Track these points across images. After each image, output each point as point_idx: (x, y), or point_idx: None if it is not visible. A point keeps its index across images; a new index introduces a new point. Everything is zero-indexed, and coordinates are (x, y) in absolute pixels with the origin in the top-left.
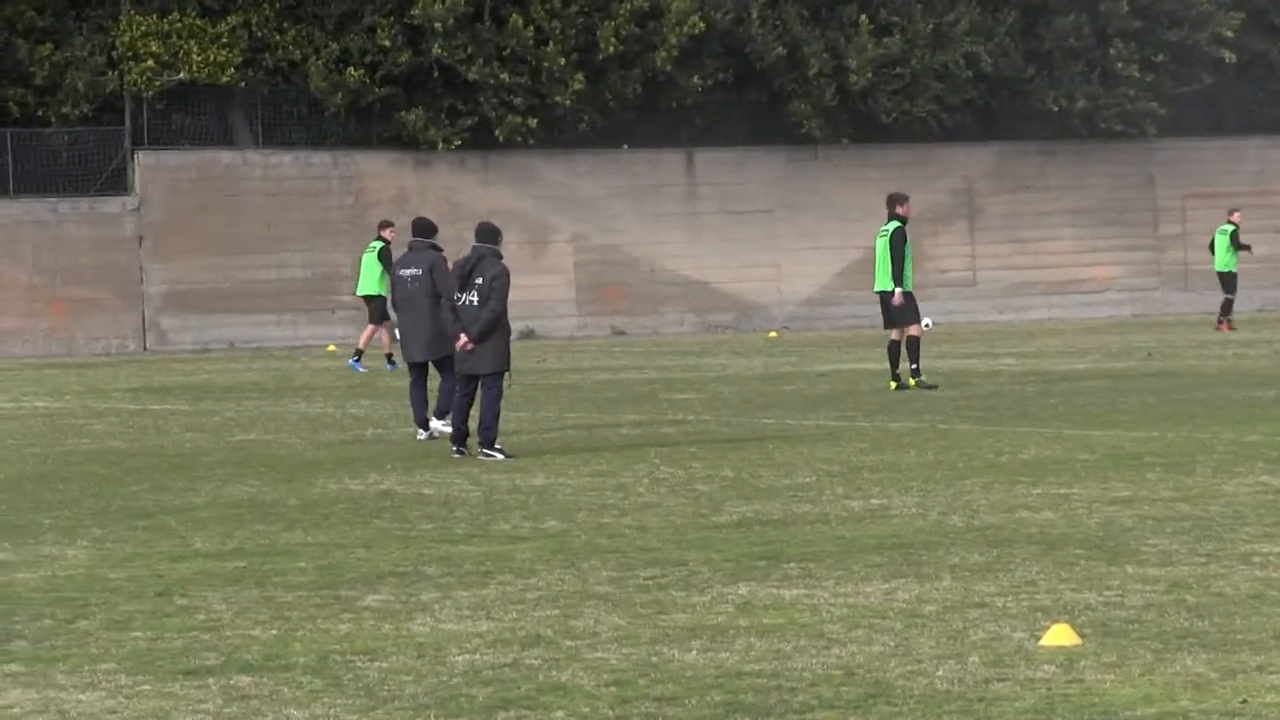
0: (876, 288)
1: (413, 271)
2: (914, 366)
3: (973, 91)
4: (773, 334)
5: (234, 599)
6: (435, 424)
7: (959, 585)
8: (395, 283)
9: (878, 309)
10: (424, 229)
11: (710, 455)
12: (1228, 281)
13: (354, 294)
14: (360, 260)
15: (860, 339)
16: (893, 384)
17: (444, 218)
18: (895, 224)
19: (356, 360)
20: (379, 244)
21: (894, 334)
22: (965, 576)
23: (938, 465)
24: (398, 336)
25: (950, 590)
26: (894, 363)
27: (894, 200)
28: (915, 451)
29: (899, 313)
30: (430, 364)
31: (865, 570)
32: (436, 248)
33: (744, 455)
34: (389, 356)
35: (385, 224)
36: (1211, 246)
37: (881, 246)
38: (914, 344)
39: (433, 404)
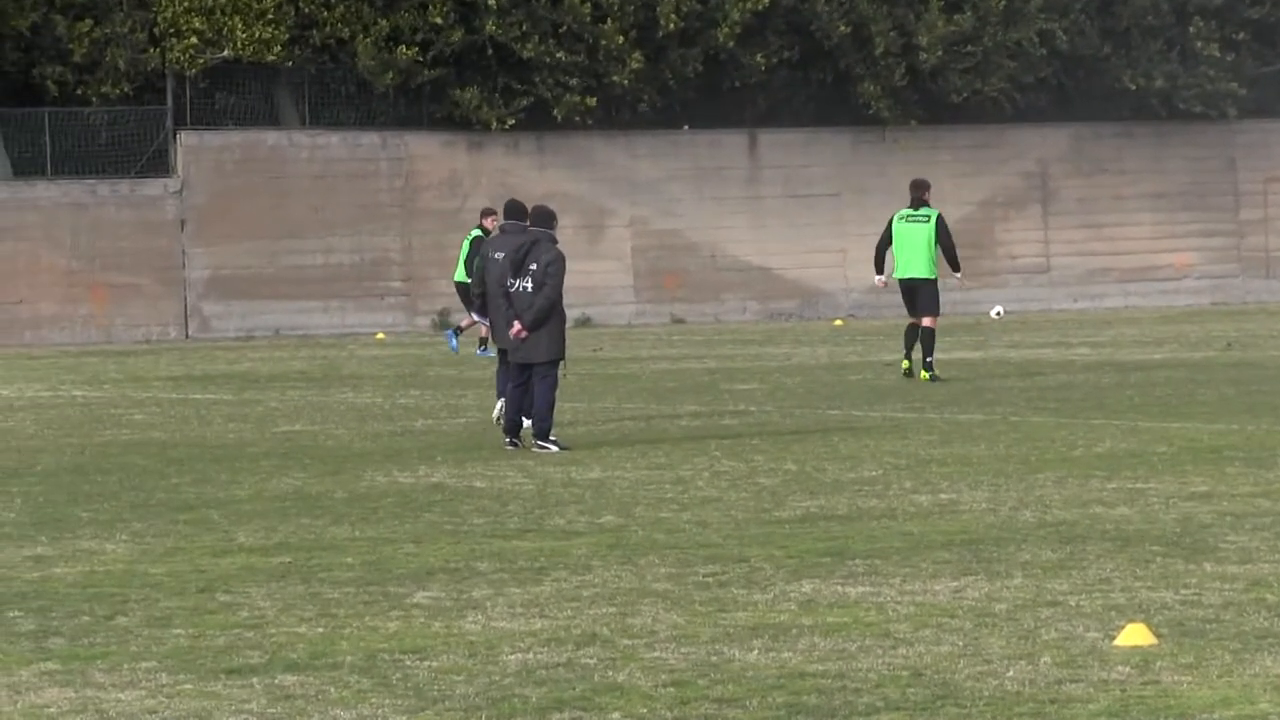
0: (911, 274)
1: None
2: (929, 360)
3: (1046, 70)
4: (838, 322)
5: (279, 595)
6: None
7: (1030, 583)
8: (487, 266)
9: (950, 295)
10: (518, 211)
11: (773, 448)
12: None
13: (406, 280)
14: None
15: None
16: (906, 364)
17: (497, 201)
18: (935, 211)
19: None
20: (476, 232)
21: (912, 320)
22: (1037, 574)
23: (1009, 459)
24: (483, 322)
25: (1021, 588)
26: (911, 345)
27: (924, 186)
28: (986, 444)
29: (934, 301)
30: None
31: (933, 567)
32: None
33: (808, 448)
34: (482, 341)
35: (487, 212)
36: None
37: (924, 234)
38: (932, 335)
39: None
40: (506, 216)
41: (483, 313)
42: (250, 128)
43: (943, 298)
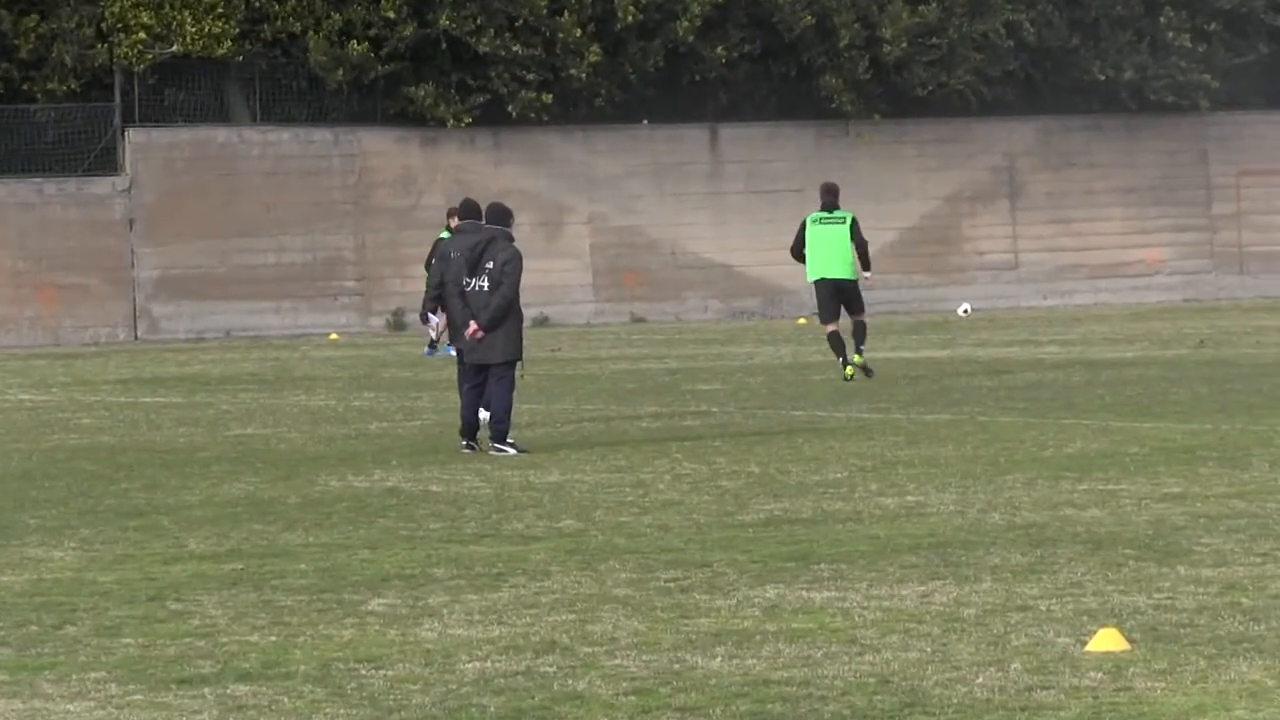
0: (839, 275)
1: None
2: (861, 347)
3: (1014, 62)
4: (802, 320)
5: (230, 603)
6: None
7: (1000, 587)
8: (445, 266)
9: (916, 293)
10: (474, 210)
11: (735, 450)
12: None
13: (360, 279)
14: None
15: (894, 325)
16: (850, 370)
17: (452, 198)
18: (850, 213)
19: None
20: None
21: (832, 326)
22: (1007, 578)
23: (977, 460)
24: (438, 325)
25: (991, 593)
26: (842, 350)
27: (836, 191)
28: (953, 445)
29: (861, 298)
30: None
31: (900, 572)
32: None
33: (771, 450)
34: (431, 343)
35: (453, 211)
36: None
37: (842, 235)
38: (865, 327)
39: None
40: (462, 216)
41: (434, 312)
42: (200, 125)
43: (908, 295)
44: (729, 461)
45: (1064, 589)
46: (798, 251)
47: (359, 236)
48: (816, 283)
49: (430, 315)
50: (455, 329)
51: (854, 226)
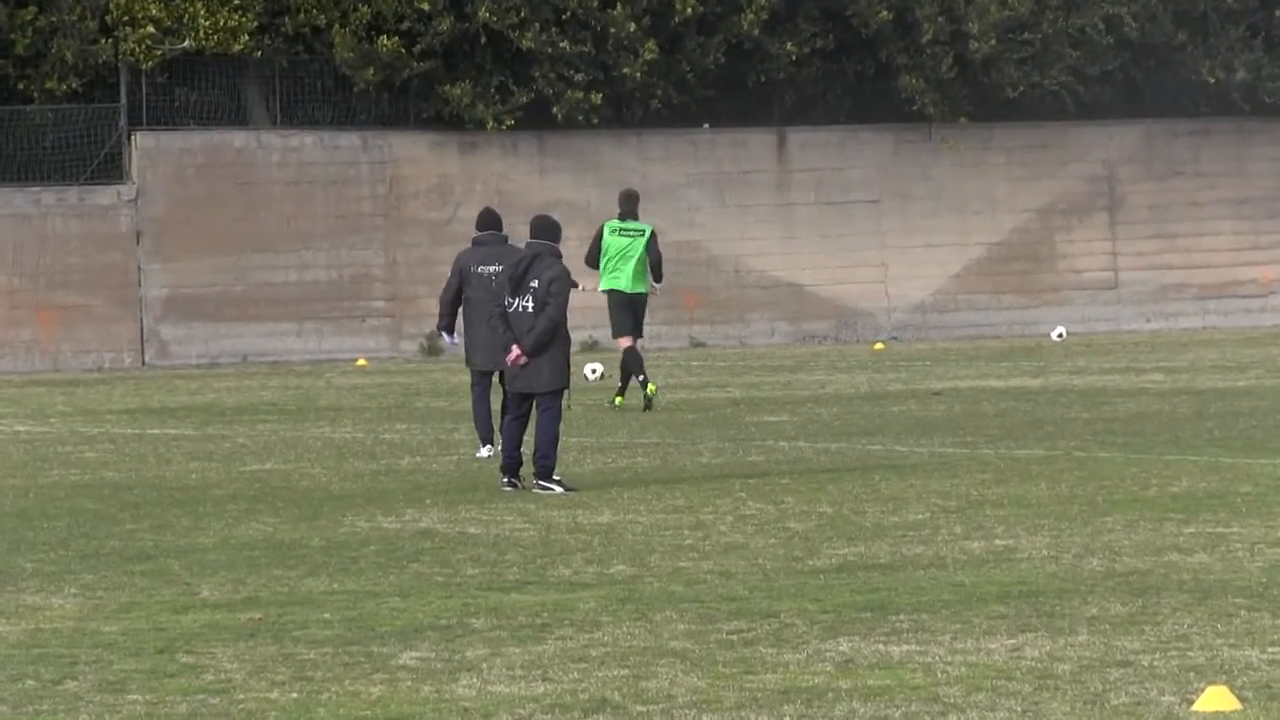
0: (635, 289)
1: (494, 269)
2: (642, 377)
3: (1114, 61)
4: (879, 345)
5: (247, 656)
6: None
7: (1098, 640)
8: (471, 281)
9: (1005, 315)
10: (493, 221)
11: (805, 488)
12: None
13: (390, 299)
14: None
15: (982, 351)
16: (652, 387)
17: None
18: (650, 226)
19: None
20: None
21: (626, 341)
22: (1105, 630)
23: (1073, 500)
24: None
25: (1088, 646)
26: (640, 368)
27: (636, 199)
28: (1046, 484)
29: (641, 319)
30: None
31: (988, 623)
32: (506, 240)
33: (845, 488)
34: None
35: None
36: None
37: (640, 247)
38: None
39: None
40: (480, 226)
41: (449, 331)
42: (214, 128)
43: (997, 318)
44: (798, 501)
45: (1168, 642)
46: (593, 259)
47: (390, 252)
48: (608, 293)
49: (446, 335)
50: (479, 350)
51: (651, 240)
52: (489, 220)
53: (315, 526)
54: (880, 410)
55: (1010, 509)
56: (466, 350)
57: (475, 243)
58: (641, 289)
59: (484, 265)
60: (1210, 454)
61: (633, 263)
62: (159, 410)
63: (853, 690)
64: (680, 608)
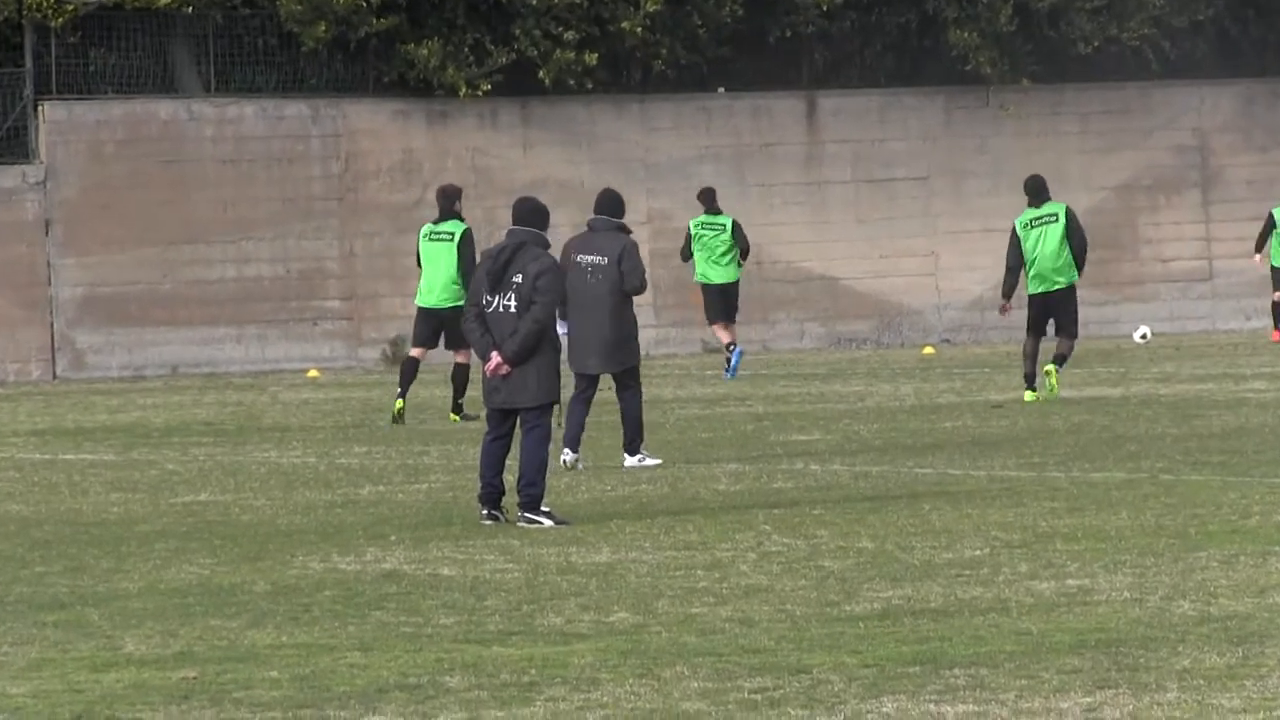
0: (444, 304)
1: (596, 259)
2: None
3: (1206, 11)
4: (929, 349)
5: None
6: (641, 461)
7: (1190, 698)
8: (570, 272)
9: (1079, 313)
10: (611, 204)
11: (842, 519)
12: None
13: (347, 298)
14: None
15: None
16: (399, 405)
17: (468, 190)
18: (462, 225)
19: None
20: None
21: (462, 356)
22: (1199, 686)
23: (1160, 531)
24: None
25: (1178, 705)
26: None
27: (456, 195)
28: (1128, 512)
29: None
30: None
31: (1059, 678)
32: (625, 229)
33: (889, 519)
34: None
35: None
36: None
37: (446, 251)
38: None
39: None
40: (598, 211)
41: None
42: (137, 96)
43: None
44: (833, 535)
45: (1274, 699)
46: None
47: (346, 242)
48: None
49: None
50: (574, 349)
51: (463, 239)
52: (606, 203)
53: (259, 568)
54: (930, 426)
55: (1085, 543)
56: (570, 350)
57: (589, 228)
58: (457, 301)
59: (584, 254)
60: None
61: (448, 267)
62: (73, 431)
63: None
64: (693, 662)
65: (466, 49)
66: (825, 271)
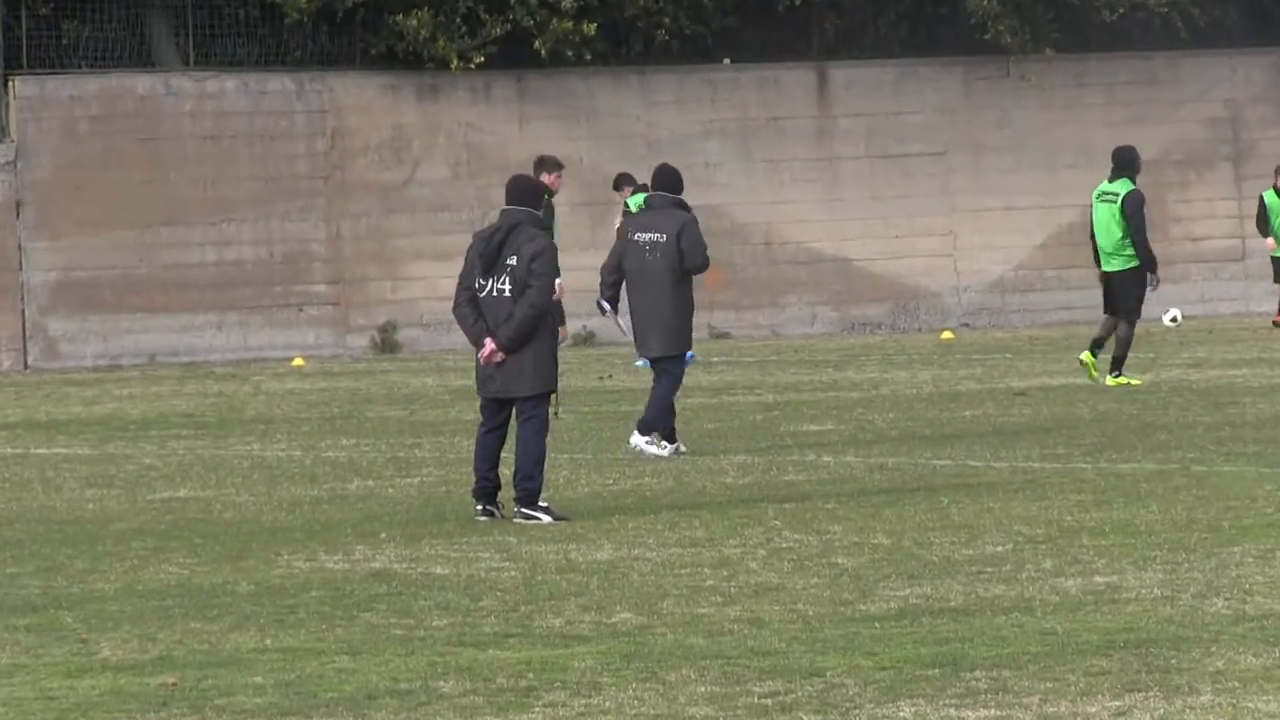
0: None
1: (654, 237)
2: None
3: None
4: (947, 334)
5: None
6: (648, 446)
7: (1225, 701)
8: (629, 250)
9: (1097, 298)
10: (670, 180)
11: (856, 514)
12: None
13: (334, 282)
14: None
15: (1075, 339)
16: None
17: (460, 168)
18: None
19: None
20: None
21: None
22: (1234, 689)
23: (1191, 525)
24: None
25: (1213, 708)
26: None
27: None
28: (1158, 505)
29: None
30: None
31: (1086, 681)
32: (684, 205)
33: (906, 513)
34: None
35: (624, 181)
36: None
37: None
38: None
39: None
40: (655, 186)
41: (614, 303)
42: (112, 70)
43: (1093, 297)
44: (847, 530)
45: None
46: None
47: (332, 223)
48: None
49: (604, 305)
50: (639, 333)
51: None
52: (664, 179)
53: (242, 568)
54: (949, 416)
55: (1113, 538)
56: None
57: (647, 205)
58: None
59: (642, 232)
60: None
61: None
62: (46, 424)
63: None
64: (700, 665)
65: (458, 19)
66: (837, 252)
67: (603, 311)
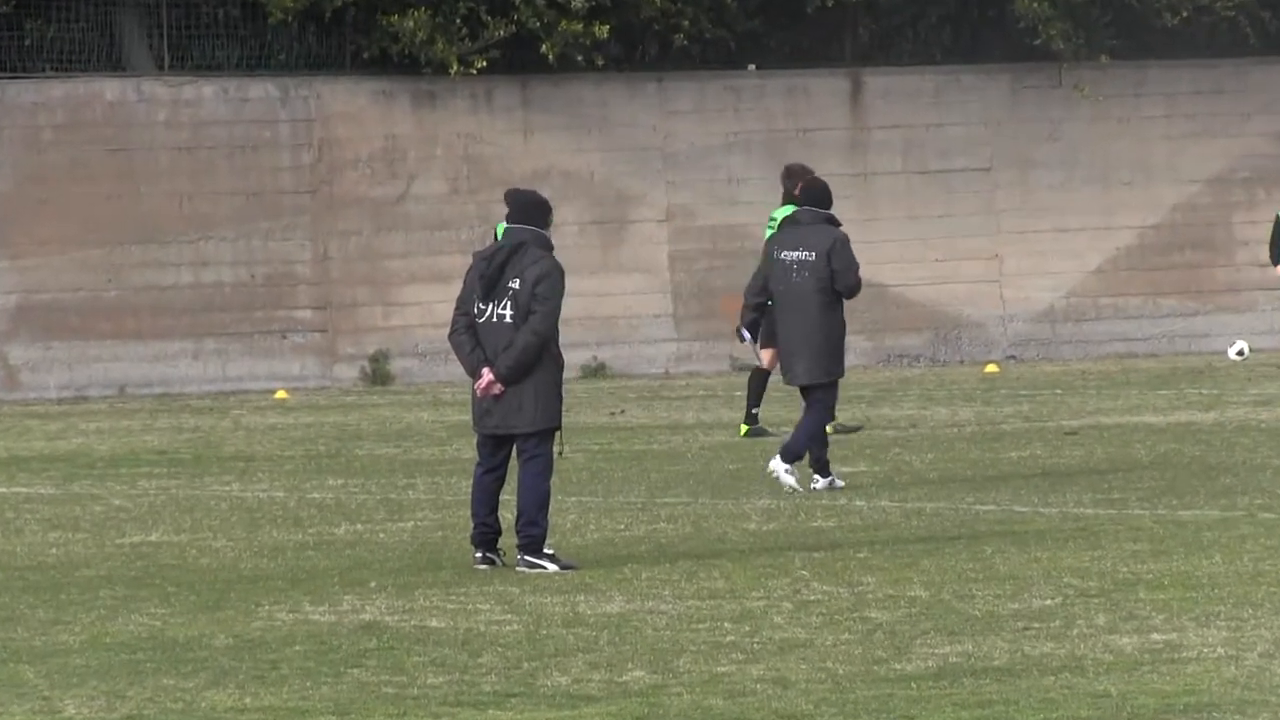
0: None
1: (801, 255)
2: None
3: None
4: (992, 367)
5: None
6: (786, 475)
7: None
8: (775, 270)
9: (1165, 325)
10: (819, 195)
11: (891, 564)
12: None
13: (320, 307)
14: None
15: (1133, 374)
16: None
17: (459, 182)
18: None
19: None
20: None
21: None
22: None
23: (1259, 578)
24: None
25: None
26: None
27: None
28: (1222, 556)
29: None
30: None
31: None
32: (834, 221)
33: (946, 564)
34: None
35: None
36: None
37: None
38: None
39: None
40: (806, 201)
41: (754, 329)
42: (79, 74)
43: (1153, 328)
44: (881, 582)
45: None
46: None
47: (319, 243)
48: None
49: (743, 333)
50: (784, 358)
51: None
52: (813, 194)
53: (219, 619)
54: (993, 457)
55: (1173, 591)
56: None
57: (794, 220)
58: None
59: (788, 250)
60: None
61: None
62: (5, 461)
63: None
64: None
65: (458, 20)
66: (872, 277)
67: (741, 339)
